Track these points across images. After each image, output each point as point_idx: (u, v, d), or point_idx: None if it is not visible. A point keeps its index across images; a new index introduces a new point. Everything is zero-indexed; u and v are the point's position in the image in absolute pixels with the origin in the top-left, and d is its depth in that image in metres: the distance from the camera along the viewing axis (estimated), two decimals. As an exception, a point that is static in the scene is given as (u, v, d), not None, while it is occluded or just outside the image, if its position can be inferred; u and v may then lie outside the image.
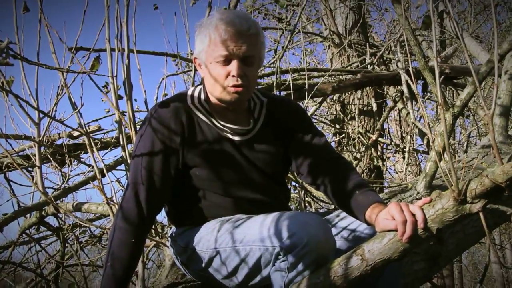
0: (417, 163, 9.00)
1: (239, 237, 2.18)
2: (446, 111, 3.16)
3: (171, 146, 2.29)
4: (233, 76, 2.21)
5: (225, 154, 2.36)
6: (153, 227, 2.82)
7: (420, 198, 2.80)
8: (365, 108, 7.03)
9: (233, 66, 2.22)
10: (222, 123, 2.38)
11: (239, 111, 2.43)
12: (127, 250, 2.19)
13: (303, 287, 1.99)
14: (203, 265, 2.32)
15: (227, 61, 2.22)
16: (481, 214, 1.81)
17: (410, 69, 5.29)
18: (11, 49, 2.78)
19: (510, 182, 1.73)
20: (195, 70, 3.36)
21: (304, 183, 3.63)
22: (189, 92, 2.43)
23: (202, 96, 2.40)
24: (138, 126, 2.71)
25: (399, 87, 6.50)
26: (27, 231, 4.15)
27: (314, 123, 2.88)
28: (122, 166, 3.86)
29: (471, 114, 7.52)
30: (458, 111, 3.24)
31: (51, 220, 4.21)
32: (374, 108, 6.97)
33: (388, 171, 8.85)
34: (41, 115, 3.37)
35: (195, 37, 2.35)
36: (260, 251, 2.11)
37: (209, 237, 2.28)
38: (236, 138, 2.40)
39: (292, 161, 2.54)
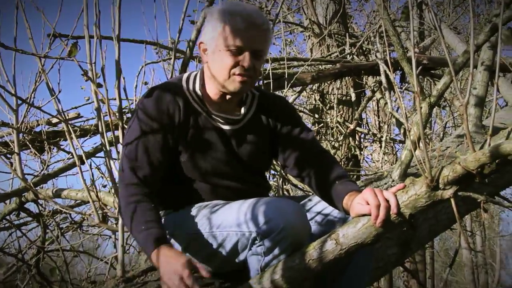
0: (394, 152, 9.07)
1: (217, 223, 2.20)
2: (423, 101, 3.18)
3: (169, 127, 2.29)
4: (243, 66, 2.22)
5: (212, 143, 2.37)
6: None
7: (395, 186, 2.85)
8: (343, 98, 7.05)
9: (245, 57, 2.23)
10: (214, 112, 2.39)
11: (233, 101, 2.44)
12: (148, 212, 2.18)
13: (278, 270, 2.02)
14: (182, 249, 2.34)
15: (238, 51, 2.22)
16: (452, 200, 1.84)
17: (389, 59, 5.32)
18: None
19: (481, 169, 1.76)
20: (175, 58, 3.37)
21: (287, 173, 3.64)
22: (185, 79, 2.43)
23: (197, 85, 2.40)
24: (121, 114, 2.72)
25: (377, 77, 6.52)
26: (7, 217, 4.14)
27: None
28: (102, 153, 3.86)
29: (447, 105, 7.58)
30: (434, 101, 3.27)
31: (31, 206, 4.21)
32: (353, 98, 6.99)
33: (366, 160, 8.92)
34: (19, 102, 3.36)
35: (206, 23, 2.35)
36: (237, 236, 2.14)
37: (188, 222, 2.30)
38: (227, 127, 2.42)
39: (278, 154, 2.56)
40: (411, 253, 3.89)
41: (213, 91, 2.38)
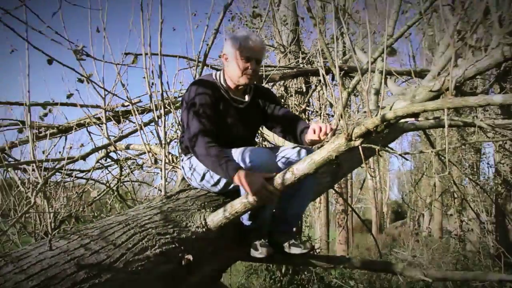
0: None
1: None
2: (344, 90, 3.14)
3: (211, 102, 2.30)
4: (251, 69, 2.31)
5: (232, 115, 2.39)
6: (169, 157, 2.79)
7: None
8: (298, 90, 7.01)
9: (252, 64, 2.32)
10: (232, 96, 2.40)
11: (242, 90, 2.46)
12: (222, 152, 2.15)
13: (257, 190, 2.00)
14: (200, 178, 2.31)
15: (248, 59, 2.30)
16: (360, 147, 1.82)
17: (324, 67, 5.26)
18: (85, 51, 2.69)
19: (376, 128, 1.74)
20: (203, 66, 3.29)
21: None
22: (214, 76, 2.43)
23: (222, 79, 2.40)
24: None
25: (318, 77, 6.48)
26: (100, 161, 4.09)
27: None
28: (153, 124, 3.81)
29: (359, 94, 7.51)
30: (350, 91, 3.24)
31: (114, 155, 4.17)
32: (304, 90, 6.94)
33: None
34: (106, 93, 3.29)
35: (227, 40, 2.39)
36: None
37: None
38: (240, 105, 2.43)
39: (268, 120, 2.57)
40: (338, 181, 3.88)
41: (231, 84, 2.40)
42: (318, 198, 10.11)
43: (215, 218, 2.07)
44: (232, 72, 2.35)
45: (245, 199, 2.00)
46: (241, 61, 2.31)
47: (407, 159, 3.94)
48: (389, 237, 18.42)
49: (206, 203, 2.24)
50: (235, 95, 2.42)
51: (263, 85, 4.22)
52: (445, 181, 11.54)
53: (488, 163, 11.37)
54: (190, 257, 1.93)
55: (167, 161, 2.45)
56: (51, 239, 1.79)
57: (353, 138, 1.80)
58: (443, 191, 11.24)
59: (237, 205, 2.02)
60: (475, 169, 11.67)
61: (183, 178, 2.47)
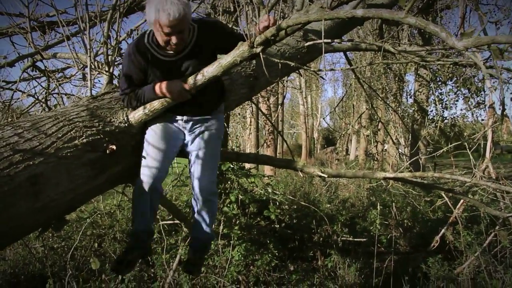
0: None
1: None
2: (262, 9, 3.39)
3: (139, 66, 2.34)
4: (173, 42, 2.22)
5: (163, 70, 2.36)
6: (95, 63, 2.94)
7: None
8: (227, 9, 7.08)
9: (173, 37, 2.21)
10: (161, 53, 2.34)
11: None
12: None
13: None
14: None
15: (169, 34, 2.19)
16: (261, 54, 2.14)
17: None
18: None
19: (274, 37, 2.07)
20: None
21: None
22: (148, 33, 2.36)
23: (151, 38, 2.33)
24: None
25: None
26: (26, 71, 4.07)
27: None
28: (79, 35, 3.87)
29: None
30: (269, 9, 3.49)
31: (41, 66, 4.15)
32: (232, 9, 7.03)
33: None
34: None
35: (147, 3, 2.20)
36: None
37: None
38: (171, 59, 2.35)
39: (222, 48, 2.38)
40: (255, 94, 4.18)
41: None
42: (248, 120, 10.58)
43: (136, 115, 2.37)
44: (157, 39, 2.27)
45: (163, 99, 2.31)
46: (161, 34, 2.19)
47: (323, 77, 4.36)
48: (318, 161, 19.59)
49: (128, 104, 2.52)
50: (165, 50, 2.34)
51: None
52: (371, 109, 12.30)
53: (407, 91, 12.27)
54: (114, 147, 2.24)
55: (93, 66, 2.66)
56: (-15, 129, 2.03)
57: (255, 46, 2.12)
58: (361, 114, 12.08)
59: (155, 103, 2.33)
60: (398, 97, 12.57)
61: (108, 82, 2.69)
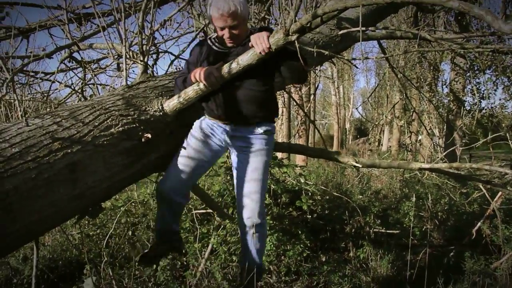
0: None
1: None
2: None
3: (196, 55, 2.46)
4: (227, 37, 2.35)
5: (213, 59, 2.40)
6: (130, 53, 2.98)
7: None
8: None
9: (226, 32, 2.32)
10: (218, 45, 2.44)
11: None
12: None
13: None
14: None
15: (222, 29, 2.32)
16: (296, 41, 2.12)
17: None
18: None
19: (309, 24, 2.03)
20: None
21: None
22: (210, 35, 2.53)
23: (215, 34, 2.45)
24: None
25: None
26: (64, 62, 4.14)
27: None
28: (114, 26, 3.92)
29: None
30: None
31: (78, 56, 4.23)
32: None
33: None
34: None
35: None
36: None
37: None
38: (223, 50, 2.42)
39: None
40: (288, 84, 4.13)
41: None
42: (280, 110, 10.52)
43: (171, 104, 2.39)
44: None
45: (197, 86, 2.31)
46: (218, 29, 2.32)
47: (356, 66, 4.28)
48: (350, 152, 19.37)
49: (163, 92, 2.55)
50: (224, 44, 2.43)
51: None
52: (404, 99, 12.04)
53: (442, 81, 11.93)
54: (149, 135, 2.27)
55: (128, 56, 2.68)
56: (27, 118, 2.08)
57: (290, 33, 2.10)
58: (394, 104, 11.85)
59: (189, 91, 2.34)
60: (432, 87, 12.24)
61: (143, 72, 2.72)
